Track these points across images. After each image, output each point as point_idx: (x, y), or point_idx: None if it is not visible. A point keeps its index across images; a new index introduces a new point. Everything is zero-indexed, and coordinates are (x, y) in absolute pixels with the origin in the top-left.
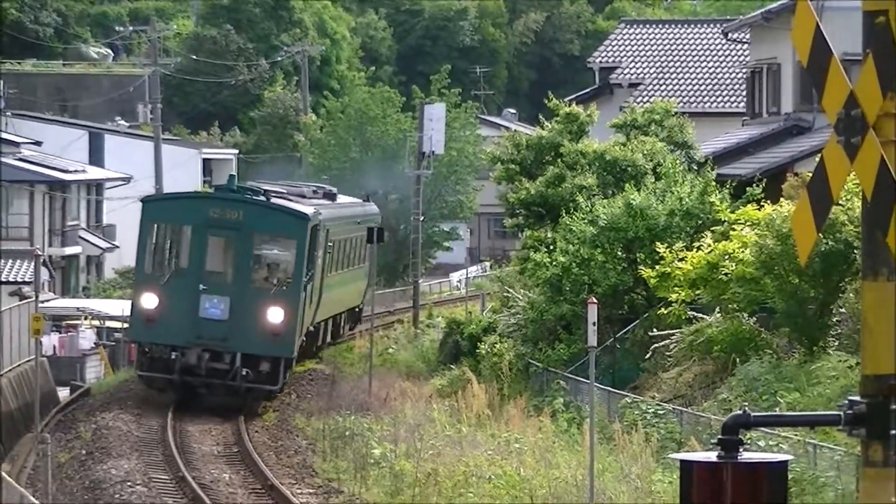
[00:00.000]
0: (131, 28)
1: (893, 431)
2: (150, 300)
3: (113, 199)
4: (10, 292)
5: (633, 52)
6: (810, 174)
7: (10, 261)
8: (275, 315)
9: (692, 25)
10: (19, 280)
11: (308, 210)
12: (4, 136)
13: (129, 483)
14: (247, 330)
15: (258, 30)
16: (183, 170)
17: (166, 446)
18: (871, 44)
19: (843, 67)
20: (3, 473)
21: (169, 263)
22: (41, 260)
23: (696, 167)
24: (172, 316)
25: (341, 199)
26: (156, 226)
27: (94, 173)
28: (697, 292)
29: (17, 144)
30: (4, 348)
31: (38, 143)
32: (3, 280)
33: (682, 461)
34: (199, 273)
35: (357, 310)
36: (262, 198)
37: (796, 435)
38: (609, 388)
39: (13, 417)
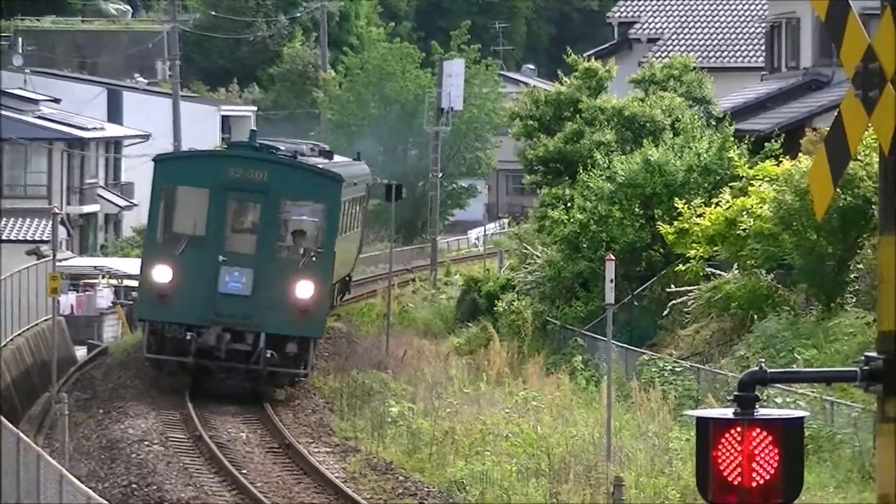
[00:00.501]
0: None
1: None
2: (162, 273)
3: (131, 157)
4: (28, 251)
5: (652, 6)
6: (828, 129)
7: (28, 219)
8: (304, 290)
9: None
10: (37, 239)
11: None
12: (23, 93)
13: (146, 442)
14: (272, 307)
15: None
16: (202, 126)
17: (184, 406)
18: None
19: (860, 21)
20: (20, 433)
21: (184, 231)
22: (59, 218)
23: (714, 122)
24: (188, 291)
25: (336, 158)
26: (169, 188)
27: (112, 131)
28: (715, 249)
29: (35, 102)
30: (22, 307)
31: (56, 101)
32: (21, 238)
33: (698, 418)
34: (218, 242)
35: (348, 279)
36: (289, 156)
37: (813, 392)
38: (626, 346)
39: (31, 376)
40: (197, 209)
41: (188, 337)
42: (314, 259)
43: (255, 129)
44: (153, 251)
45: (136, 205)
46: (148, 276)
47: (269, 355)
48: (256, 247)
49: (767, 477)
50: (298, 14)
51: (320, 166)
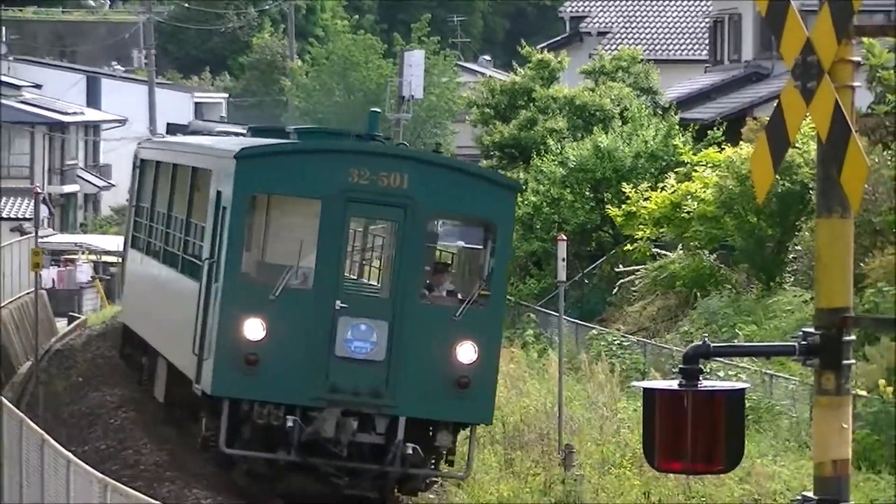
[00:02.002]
0: None
1: (845, 361)
2: (250, 329)
3: (110, 140)
4: (12, 228)
5: (602, 1)
6: (768, 118)
7: (12, 198)
8: (464, 352)
9: None
10: (20, 217)
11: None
12: (6, 79)
13: (122, 409)
14: (416, 378)
15: None
16: (176, 112)
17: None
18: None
19: (800, 16)
20: (4, 399)
21: (282, 263)
22: (41, 197)
23: (660, 111)
24: (289, 355)
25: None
26: (259, 198)
27: (91, 115)
28: (661, 230)
29: (18, 88)
30: (6, 281)
31: (38, 87)
32: (5, 217)
33: (645, 389)
34: (334, 281)
35: None
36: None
37: (753, 365)
38: (577, 321)
39: (14, 346)
40: (302, 231)
41: (290, 424)
42: (480, 306)
43: (376, 111)
44: (232, 293)
45: (113, 185)
46: (226, 331)
47: (410, 451)
48: (392, 288)
49: (710, 445)
50: (267, 6)
51: (490, 170)
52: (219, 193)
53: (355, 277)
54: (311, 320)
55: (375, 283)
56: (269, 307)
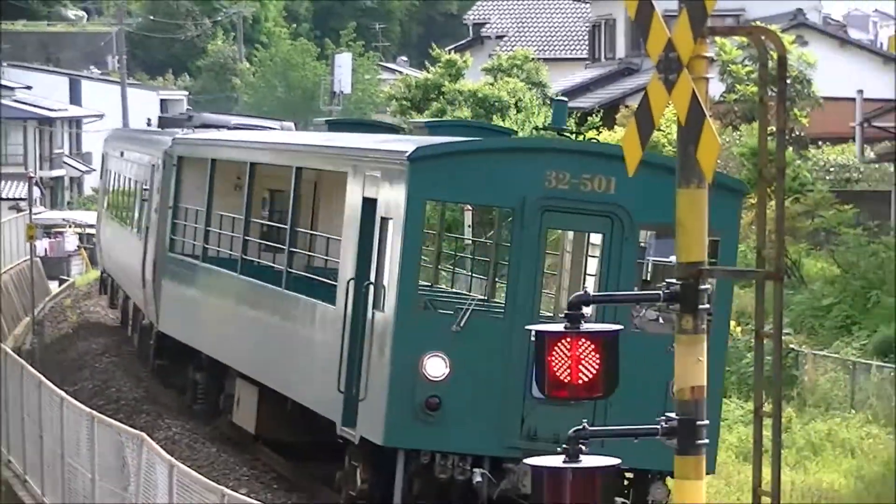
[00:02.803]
0: None
1: (701, 306)
2: (434, 366)
3: (90, 132)
4: (9, 207)
5: (499, 10)
6: (637, 106)
7: (9, 182)
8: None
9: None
10: (16, 197)
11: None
12: (2, 80)
13: (105, 355)
14: (628, 421)
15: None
16: (143, 108)
17: (135, 327)
18: (688, 13)
19: (663, 20)
20: (7, 348)
21: (464, 287)
22: (34, 181)
23: (548, 101)
24: (476, 396)
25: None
26: (436, 206)
27: (74, 111)
28: None
29: (12, 89)
30: (5, 251)
31: (28, 88)
32: (4, 197)
33: (537, 331)
34: (528, 304)
35: None
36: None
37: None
38: None
39: (13, 305)
40: (490, 245)
41: (478, 479)
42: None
43: (562, 100)
44: (407, 325)
45: (94, 170)
46: (400, 370)
47: None
48: (598, 314)
49: (590, 376)
50: (220, 18)
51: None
52: (369, 201)
53: (553, 300)
54: (502, 354)
55: None
56: (451, 340)
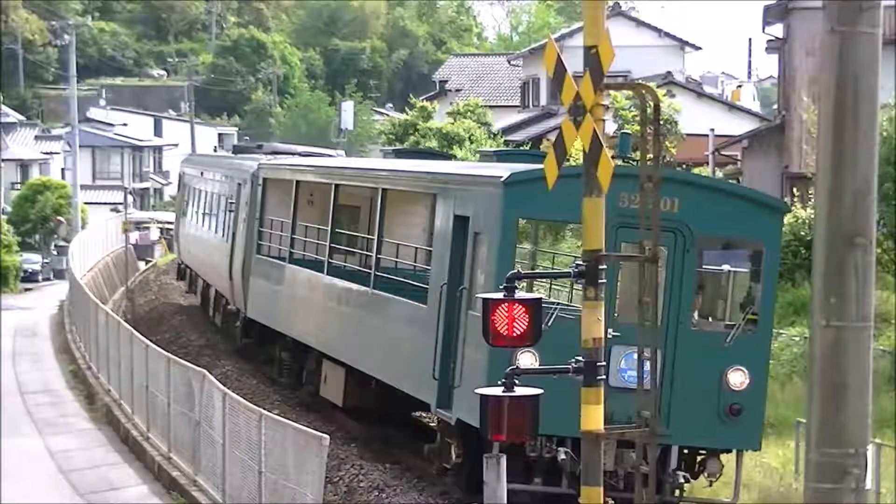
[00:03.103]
0: (177, 59)
1: (600, 281)
2: (525, 361)
3: (168, 156)
4: (110, 209)
5: (457, 70)
6: (555, 139)
7: (111, 191)
8: (736, 379)
9: (491, 56)
10: (115, 202)
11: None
12: (106, 120)
13: (178, 315)
14: (689, 406)
15: (248, 59)
16: (207, 140)
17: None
18: (588, 64)
19: (573, 79)
20: (107, 309)
21: (542, 292)
22: (127, 191)
23: (493, 135)
24: (560, 386)
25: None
26: (528, 222)
27: (157, 142)
28: None
29: (112, 125)
30: (109, 240)
31: (124, 125)
32: (107, 202)
33: (483, 299)
34: (607, 309)
35: None
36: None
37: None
38: None
39: (113, 277)
40: (566, 257)
41: (562, 456)
42: (749, 331)
43: (627, 133)
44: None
45: (171, 183)
46: (497, 364)
47: (682, 479)
48: (663, 315)
49: (521, 331)
50: (259, 76)
51: (756, 191)
52: (461, 219)
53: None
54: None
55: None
56: (540, 339)
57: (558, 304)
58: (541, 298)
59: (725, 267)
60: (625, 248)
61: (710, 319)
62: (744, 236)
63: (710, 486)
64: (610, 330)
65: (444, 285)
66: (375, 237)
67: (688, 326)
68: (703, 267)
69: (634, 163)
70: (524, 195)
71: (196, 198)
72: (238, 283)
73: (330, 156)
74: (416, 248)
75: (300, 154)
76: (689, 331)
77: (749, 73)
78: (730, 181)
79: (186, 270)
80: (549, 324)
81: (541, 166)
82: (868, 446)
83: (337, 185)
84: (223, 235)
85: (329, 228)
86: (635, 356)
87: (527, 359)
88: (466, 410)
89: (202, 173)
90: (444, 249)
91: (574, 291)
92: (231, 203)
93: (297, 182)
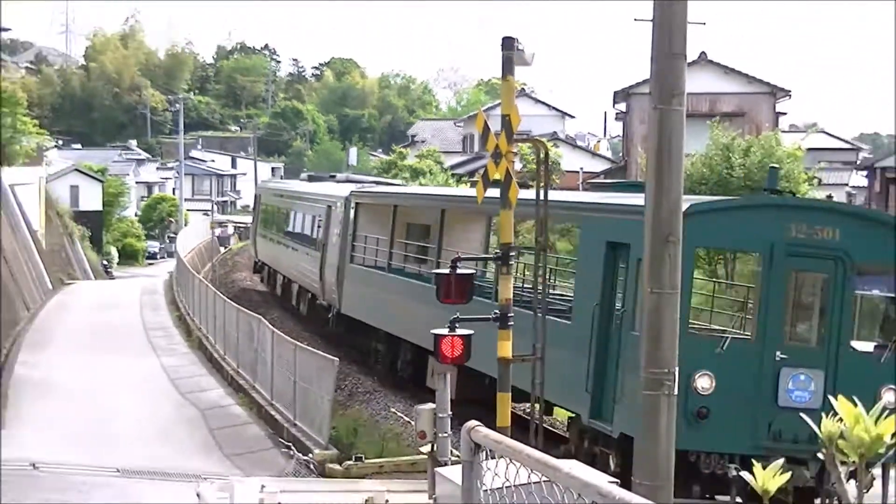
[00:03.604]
0: (246, 119)
1: (510, 262)
2: (704, 382)
3: (240, 181)
4: (203, 214)
5: (422, 129)
6: (482, 174)
7: (203, 202)
8: (890, 397)
9: (444, 120)
10: (206, 210)
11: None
12: (199, 157)
13: (247, 281)
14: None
15: (291, 121)
16: (264, 173)
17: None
18: (503, 126)
19: (494, 135)
20: (200, 277)
21: (706, 318)
22: (213, 202)
23: (446, 170)
24: (735, 406)
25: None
26: (708, 249)
27: (232, 171)
28: None
29: (205, 161)
30: (199, 234)
31: (213, 161)
32: (200, 210)
33: (436, 274)
34: (776, 333)
35: None
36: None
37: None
38: None
39: (203, 258)
40: (738, 286)
41: (733, 473)
42: None
43: (775, 167)
44: (681, 346)
45: (241, 198)
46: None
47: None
48: (825, 338)
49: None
50: (298, 131)
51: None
52: (618, 245)
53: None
54: (754, 372)
55: (809, 334)
56: (716, 361)
57: (731, 330)
58: (472, 273)
59: (875, 291)
60: (797, 277)
61: (864, 341)
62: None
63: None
64: (778, 353)
65: (597, 306)
66: (500, 253)
67: (847, 348)
68: (864, 291)
69: (785, 194)
70: (702, 225)
71: (278, 214)
72: (330, 285)
73: (393, 183)
74: (553, 268)
75: (369, 182)
76: (848, 352)
77: (605, 132)
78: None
79: (264, 266)
80: (724, 348)
81: (706, 198)
82: (675, 367)
83: (443, 211)
84: (314, 246)
85: (436, 246)
86: (802, 377)
87: (705, 382)
88: (628, 424)
89: (281, 195)
90: (594, 273)
91: (745, 320)
92: (320, 220)
93: (395, 207)
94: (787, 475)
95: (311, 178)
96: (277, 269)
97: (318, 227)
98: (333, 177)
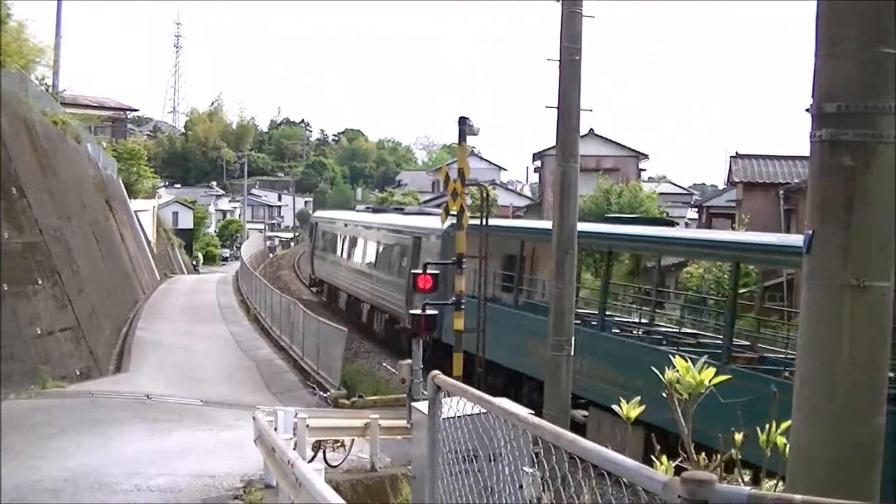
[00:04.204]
0: (288, 168)
1: (462, 266)
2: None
3: (283, 210)
4: (258, 231)
5: (406, 176)
6: (444, 207)
7: (259, 224)
8: None
9: (419, 171)
10: (261, 229)
11: None
12: (258, 194)
13: (286, 273)
14: None
15: (317, 170)
16: (298, 203)
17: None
18: (458, 175)
19: (453, 181)
20: (256, 272)
21: None
22: (265, 224)
23: (420, 204)
24: None
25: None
26: None
27: (278, 203)
28: None
29: (260, 196)
30: (255, 245)
31: (266, 196)
32: (257, 229)
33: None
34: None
35: None
36: None
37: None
38: None
39: (259, 260)
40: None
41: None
42: None
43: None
44: None
45: (284, 219)
46: None
47: None
48: None
49: (429, 287)
50: (323, 177)
51: None
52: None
53: None
54: None
55: None
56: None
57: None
58: (437, 274)
59: None
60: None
61: None
62: None
63: None
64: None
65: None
66: (640, 290)
67: None
68: None
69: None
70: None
71: (346, 241)
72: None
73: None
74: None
75: (427, 213)
76: None
77: (527, 179)
78: None
79: (322, 283)
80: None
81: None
82: (572, 336)
83: (529, 243)
84: (398, 274)
85: (527, 276)
86: None
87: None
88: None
89: (346, 224)
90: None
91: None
92: (406, 250)
93: (523, 242)
94: (643, 407)
95: (374, 210)
96: (341, 289)
97: (404, 255)
98: (401, 209)
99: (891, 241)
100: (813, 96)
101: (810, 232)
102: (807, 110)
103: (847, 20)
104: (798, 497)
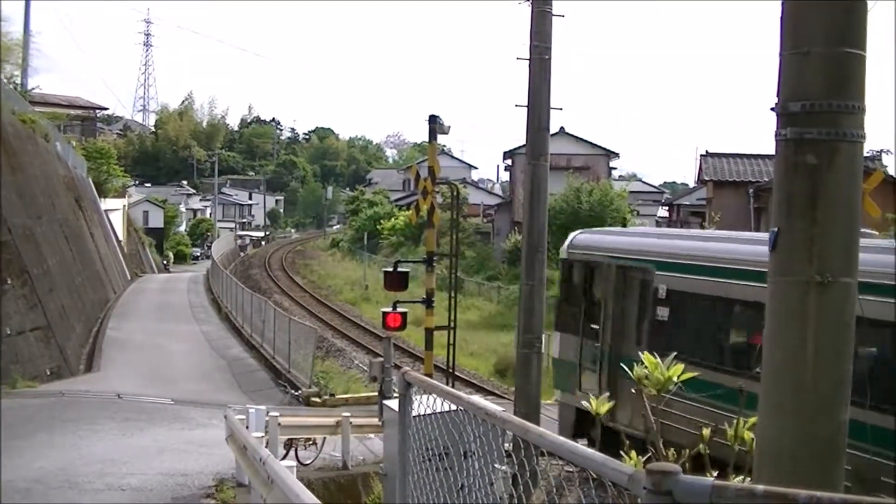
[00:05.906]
0: (258, 167)
1: (434, 263)
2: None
3: (253, 209)
4: (228, 230)
5: (376, 174)
6: (415, 207)
7: (229, 222)
8: None
9: (390, 169)
10: (231, 228)
11: None
12: (229, 192)
13: (257, 271)
14: None
15: (288, 169)
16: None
17: (281, 261)
18: (428, 173)
19: (424, 180)
20: (226, 271)
21: None
22: (235, 223)
23: (391, 202)
24: None
25: None
26: None
27: (248, 202)
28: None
29: (231, 195)
30: (226, 244)
31: (236, 195)
32: (227, 227)
33: (385, 271)
34: None
35: None
36: None
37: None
38: None
39: (231, 259)
40: None
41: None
42: None
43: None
44: None
45: (254, 218)
46: None
47: None
48: None
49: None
50: (294, 175)
51: None
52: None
53: None
54: None
55: None
56: None
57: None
58: (407, 272)
59: None
60: None
61: None
62: None
63: None
64: None
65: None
66: None
67: None
68: None
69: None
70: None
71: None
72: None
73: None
74: None
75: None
76: None
77: (498, 177)
78: None
79: (604, 429)
80: None
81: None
82: (542, 333)
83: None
84: None
85: None
86: None
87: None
88: None
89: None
90: None
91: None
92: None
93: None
94: (611, 403)
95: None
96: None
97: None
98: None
99: (855, 237)
100: (778, 95)
101: (776, 229)
102: (772, 109)
103: (812, 20)
104: (760, 487)
